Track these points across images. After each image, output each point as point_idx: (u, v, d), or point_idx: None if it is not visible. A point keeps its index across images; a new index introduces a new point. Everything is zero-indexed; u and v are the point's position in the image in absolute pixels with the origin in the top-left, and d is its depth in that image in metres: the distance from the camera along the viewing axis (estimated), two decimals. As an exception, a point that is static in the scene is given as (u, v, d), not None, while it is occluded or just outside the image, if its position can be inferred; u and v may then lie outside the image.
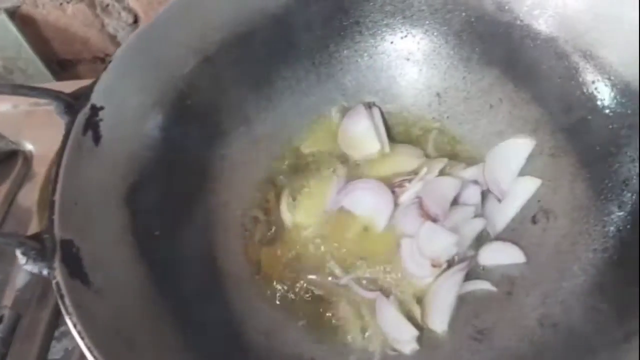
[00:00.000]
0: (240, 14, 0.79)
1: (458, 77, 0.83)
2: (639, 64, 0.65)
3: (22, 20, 1.20)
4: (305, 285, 0.75)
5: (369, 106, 0.86)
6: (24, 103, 1.06)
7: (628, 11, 0.65)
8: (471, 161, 0.81)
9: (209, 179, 0.80)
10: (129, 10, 1.19)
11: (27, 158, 1.01)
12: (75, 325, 0.53)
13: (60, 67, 1.34)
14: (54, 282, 0.56)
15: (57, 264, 0.56)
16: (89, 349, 0.52)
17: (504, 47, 0.78)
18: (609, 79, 0.69)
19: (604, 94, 0.70)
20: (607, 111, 0.69)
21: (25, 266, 0.57)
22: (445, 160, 0.79)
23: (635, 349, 0.51)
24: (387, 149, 0.83)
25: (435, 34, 0.83)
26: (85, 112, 0.66)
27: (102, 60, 1.31)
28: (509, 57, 0.78)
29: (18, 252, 0.57)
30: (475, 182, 0.77)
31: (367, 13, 0.83)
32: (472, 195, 0.76)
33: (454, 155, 0.83)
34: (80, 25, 1.22)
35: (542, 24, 0.74)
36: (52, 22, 1.21)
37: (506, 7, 0.76)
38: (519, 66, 0.78)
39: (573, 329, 0.63)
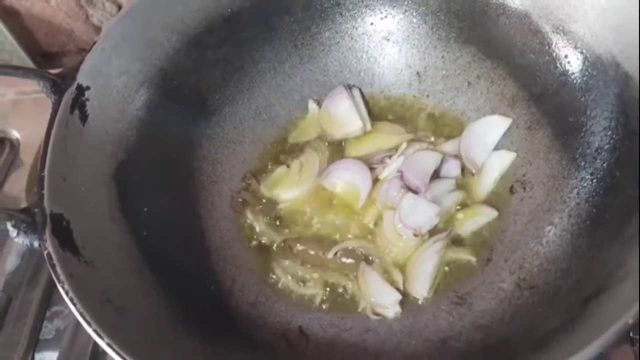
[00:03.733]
0: (222, -3, 0.81)
1: (437, 55, 0.86)
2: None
3: (6, 12, 1.19)
4: (293, 259, 0.77)
5: (349, 87, 0.88)
6: (10, 92, 1.07)
7: (597, -14, 0.68)
8: (451, 137, 0.83)
9: (196, 158, 0.82)
10: (113, 1, 1.19)
11: (14, 146, 1.03)
12: (67, 293, 0.54)
13: (45, 59, 1.34)
14: (45, 252, 0.57)
15: (47, 235, 0.58)
16: (81, 314, 0.53)
17: (480, 26, 0.81)
18: (581, 52, 0.71)
19: (576, 67, 0.72)
20: (578, 83, 0.72)
21: (16, 239, 0.58)
22: (425, 144, 0.82)
23: (601, 305, 0.54)
24: (368, 127, 0.85)
25: (414, 14, 0.85)
26: (71, 91, 0.68)
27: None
28: (486, 35, 0.81)
29: (9, 225, 0.58)
30: (455, 156, 0.79)
31: (347, -6, 0.85)
32: (452, 168, 0.78)
33: (435, 131, 0.85)
34: (64, 17, 1.22)
35: (517, 1, 0.77)
36: (36, 13, 1.21)
37: (482, -14, 0.78)
38: (495, 43, 0.81)
39: (549, 290, 0.65)
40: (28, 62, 1.28)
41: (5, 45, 1.24)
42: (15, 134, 1.04)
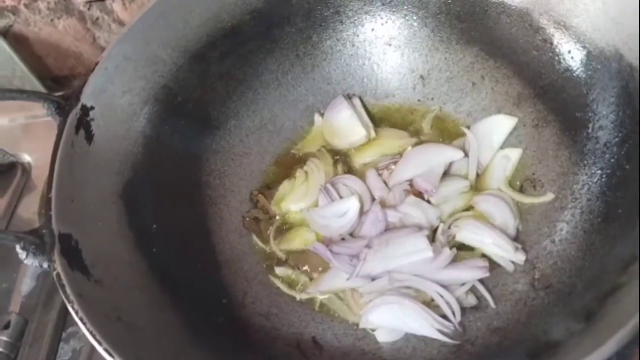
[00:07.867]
0: (222, 11, 0.81)
1: (439, 58, 0.85)
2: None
3: (15, 39, 1.21)
4: (302, 272, 0.77)
5: (349, 96, 0.88)
6: (20, 116, 1.09)
7: (596, -21, 0.67)
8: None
9: (203, 173, 0.82)
10: (119, 22, 1.20)
11: (26, 170, 1.04)
12: (77, 312, 0.55)
13: (56, 83, 1.35)
14: (54, 273, 0.57)
15: (56, 256, 0.58)
16: (90, 332, 0.53)
17: (481, 25, 0.80)
18: (584, 46, 0.71)
19: (580, 62, 0.71)
20: (583, 78, 0.71)
21: (25, 261, 0.59)
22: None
23: (619, 302, 0.53)
24: (372, 133, 0.84)
25: (414, 17, 0.85)
26: (76, 112, 0.68)
27: (96, 73, 1.33)
28: (487, 35, 0.80)
29: (17, 247, 0.58)
30: (465, 155, 0.78)
31: (347, 2, 0.85)
32: (462, 165, 0.78)
33: (440, 134, 0.85)
34: (72, 40, 1.24)
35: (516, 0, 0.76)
36: (45, 38, 1.23)
37: (481, -14, 0.78)
38: (497, 43, 0.80)
39: (564, 289, 0.64)
40: (39, 87, 1.29)
41: (16, 72, 1.25)
42: (27, 158, 1.05)
